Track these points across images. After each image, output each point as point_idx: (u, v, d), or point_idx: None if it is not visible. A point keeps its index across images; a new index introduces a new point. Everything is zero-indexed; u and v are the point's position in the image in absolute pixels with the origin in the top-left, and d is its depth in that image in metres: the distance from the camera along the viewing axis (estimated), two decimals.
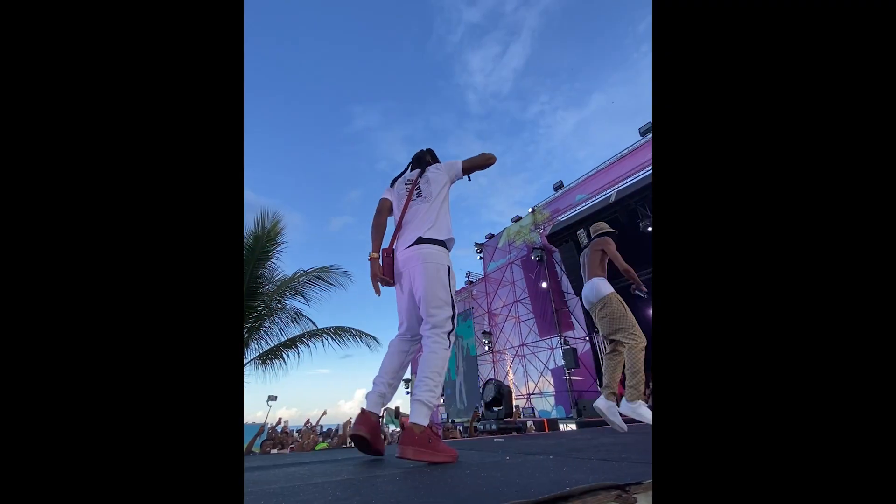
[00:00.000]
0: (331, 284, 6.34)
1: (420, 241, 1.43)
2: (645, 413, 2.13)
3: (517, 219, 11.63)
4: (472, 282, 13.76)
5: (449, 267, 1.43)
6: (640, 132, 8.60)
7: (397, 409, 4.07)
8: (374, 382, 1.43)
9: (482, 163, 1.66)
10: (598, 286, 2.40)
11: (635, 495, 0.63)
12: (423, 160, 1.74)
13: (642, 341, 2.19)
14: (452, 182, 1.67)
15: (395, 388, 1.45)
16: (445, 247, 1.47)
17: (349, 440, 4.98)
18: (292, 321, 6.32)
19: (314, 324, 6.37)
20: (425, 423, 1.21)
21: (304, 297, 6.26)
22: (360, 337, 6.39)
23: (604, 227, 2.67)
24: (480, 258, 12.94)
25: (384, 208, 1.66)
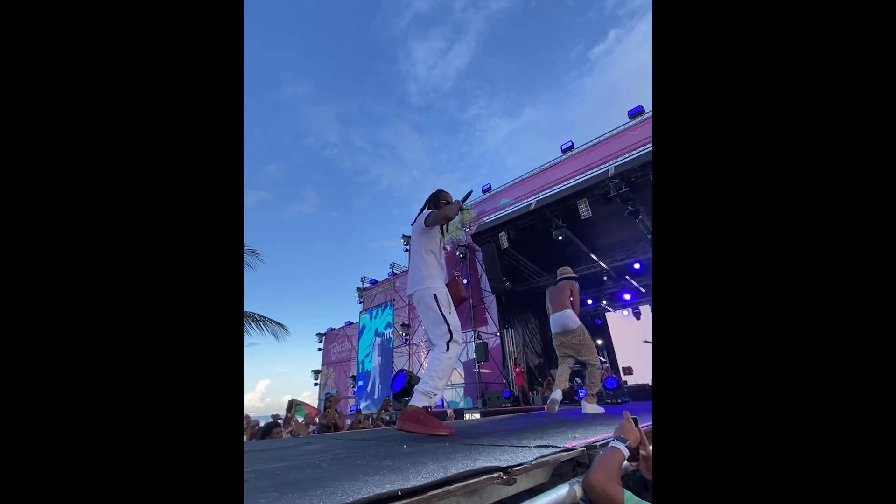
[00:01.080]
0: None
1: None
2: (597, 408, 2.91)
3: None
4: (395, 274, 13.63)
5: (436, 295, 1.80)
6: (561, 149, 9.45)
7: (291, 400, 3.98)
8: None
9: (442, 217, 1.91)
10: (572, 317, 3.07)
11: (516, 476, 0.67)
12: (425, 204, 2.08)
13: (598, 362, 3.04)
14: (427, 231, 1.95)
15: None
16: (429, 283, 1.85)
17: (246, 434, 4.51)
18: None
19: None
20: (419, 405, 1.60)
21: None
22: (265, 324, 5.83)
23: (569, 271, 3.36)
24: (406, 251, 12.89)
25: None
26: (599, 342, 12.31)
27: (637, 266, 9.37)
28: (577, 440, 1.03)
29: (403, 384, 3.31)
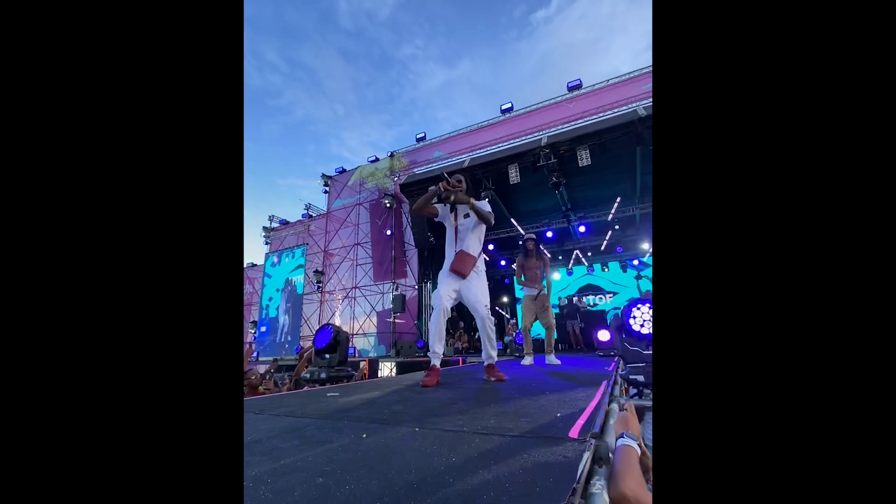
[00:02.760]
0: None
1: None
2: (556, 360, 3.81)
3: (375, 160, 10.95)
4: (311, 216, 12.38)
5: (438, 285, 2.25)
6: (500, 110, 9.29)
7: None
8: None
9: (415, 205, 2.27)
10: None
11: None
12: None
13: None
14: (443, 217, 2.37)
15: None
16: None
17: None
18: None
19: None
20: (432, 364, 2.13)
21: None
22: None
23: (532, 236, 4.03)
24: (326, 192, 11.67)
25: None
26: (506, 300, 13.46)
27: (550, 234, 10.17)
28: (572, 425, 0.92)
29: (329, 340, 2.98)
